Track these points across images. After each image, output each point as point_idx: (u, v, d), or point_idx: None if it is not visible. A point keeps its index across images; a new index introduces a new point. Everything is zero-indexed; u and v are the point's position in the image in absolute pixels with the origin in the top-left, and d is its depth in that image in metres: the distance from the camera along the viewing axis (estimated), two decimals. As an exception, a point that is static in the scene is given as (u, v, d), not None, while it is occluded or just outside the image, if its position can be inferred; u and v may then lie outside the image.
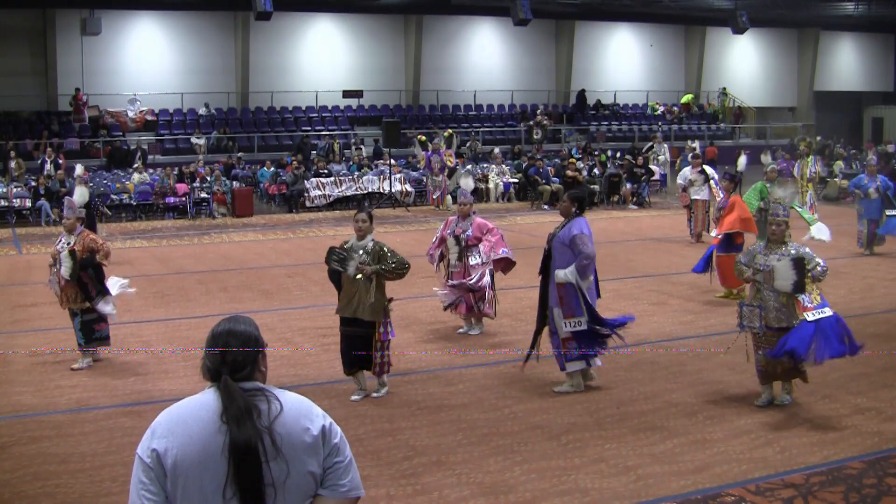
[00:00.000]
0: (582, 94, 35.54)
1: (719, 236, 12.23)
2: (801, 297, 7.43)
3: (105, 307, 9.38)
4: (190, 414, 2.80)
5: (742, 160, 21.30)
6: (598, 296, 8.63)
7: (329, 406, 7.47)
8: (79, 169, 18.03)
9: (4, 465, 6.68)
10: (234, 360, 2.84)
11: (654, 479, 6.26)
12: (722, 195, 13.13)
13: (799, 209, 14.25)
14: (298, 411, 2.86)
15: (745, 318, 7.75)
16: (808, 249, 7.64)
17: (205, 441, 2.73)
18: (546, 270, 8.33)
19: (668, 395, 8.11)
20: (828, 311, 7.45)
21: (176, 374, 9.00)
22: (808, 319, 7.36)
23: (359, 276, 7.77)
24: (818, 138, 34.24)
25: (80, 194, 10.98)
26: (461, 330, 10.54)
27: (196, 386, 8.08)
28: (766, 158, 22.61)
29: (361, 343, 7.88)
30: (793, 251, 7.57)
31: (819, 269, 7.52)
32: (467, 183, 10.54)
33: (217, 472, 2.72)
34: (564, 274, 8.06)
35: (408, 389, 8.40)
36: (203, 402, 2.81)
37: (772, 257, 7.61)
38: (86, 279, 9.35)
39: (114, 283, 9.75)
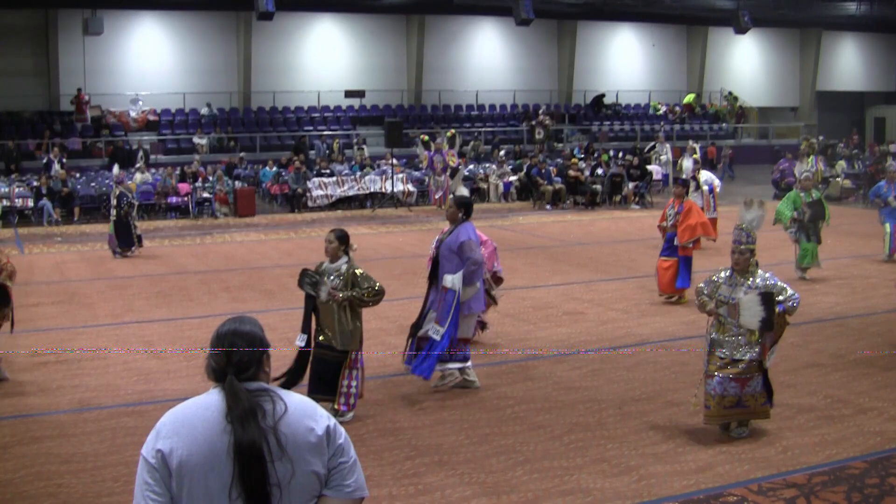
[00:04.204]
0: (600, 98, 35.51)
1: (688, 245, 11.95)
2: (767, 337, 6.79)
3: None
4: (195, 415, 2.80)
5: (687, 164, 20.05)
6: (485, 305, 8.60)
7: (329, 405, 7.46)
8: (115, 170, 18.24)
9: (6, 465, 6.68)
10: (240, 360, 2.84)
11: (656, 479, 6.26)
12: (676, 205, 12.37)
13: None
14: (303, 412, 2.86)
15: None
16: (777, 280, 6.94)
17: (210, 442, 2.73)
18: (434, 277, 8.30)
19: (670, 395, 8.11)
20: (775, 351, 7.01)
21: (178, 373, 9.00)
22: (765, 366, 6.89)
23: (331, 301, 7.28)
24: (820, 138, 34.20)
25: None
26: None
27: (199, 386, 8.08)
28: (800, 167, 22.18)
29: (328, 367, 7.37)
30: (759, 282, 6.84)
31: (790, 303, 6.83)
32: (461, 192, 10.32)
33: (222, 473, 2.72)
34: (451, 280, 8.01)
35: (409, 389, 8.40)
36: (208, 403, 2.81)
37: (738, 289, 6.85)
38: None
39: None
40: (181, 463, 2.72)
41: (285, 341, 10.00)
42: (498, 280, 9.99)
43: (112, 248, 16.62)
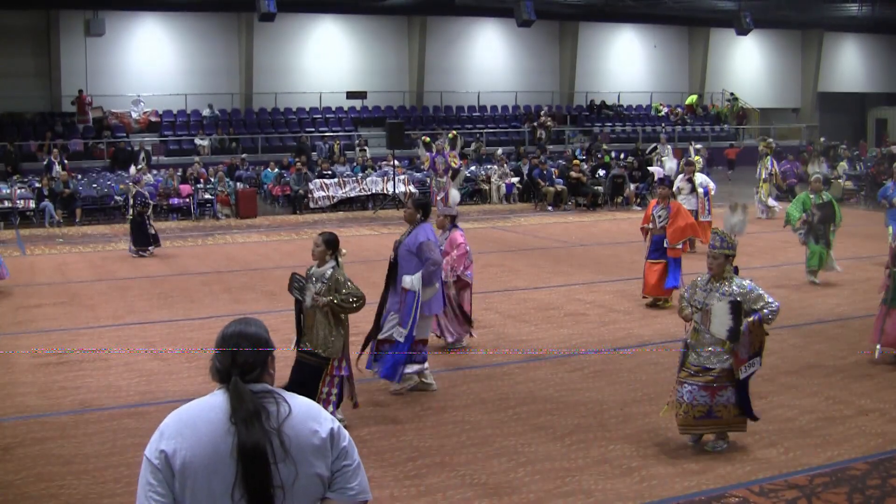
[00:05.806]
0: (598, 106, 35.53)
1: (677, 247, 11.89)
2: (740, 349, 6.61)
3: None
4: (199, 415, 2.80)
5: (671, 164, 19.43)
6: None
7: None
8: (132, 170, 18.37)
9: (8, 466, 6.69)
10: (245, 361, 2.85)
11: (657, 480, 6.27)
12: (663, 206, 12.19)
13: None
14: (307, 414, 2.87)
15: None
16: (753, 286, 6.76)
17: (214, 443, 2.74)
18: (392, 279, 8.26)
19: (671, 397, 8.09)
20: (757, 364, 6.75)
21: (180, 374, 8.98)
22: (739, 377, 6.66)
23: (315, 307, 7.15)
24: (822, 139, 34.20)
25: None
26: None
27: (200, 387, 8.09)
28: (812, 168, 21.92)
29: (310, 373, 7.15)
30: (736, 289, 6.67)
31: (767, 311, 6.64)
32: (453, 195, 10.20)
33: (226, 474, 2.72)
34: (410, 281, 8.02)
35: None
36: (212, 404, 2.82)
37: (712, 295, 6.70)
38: None
39: None
40: (184, 464, 2.72)
41: (288, 343, 10.00)
42: (464, 284, 9.62)
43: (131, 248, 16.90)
